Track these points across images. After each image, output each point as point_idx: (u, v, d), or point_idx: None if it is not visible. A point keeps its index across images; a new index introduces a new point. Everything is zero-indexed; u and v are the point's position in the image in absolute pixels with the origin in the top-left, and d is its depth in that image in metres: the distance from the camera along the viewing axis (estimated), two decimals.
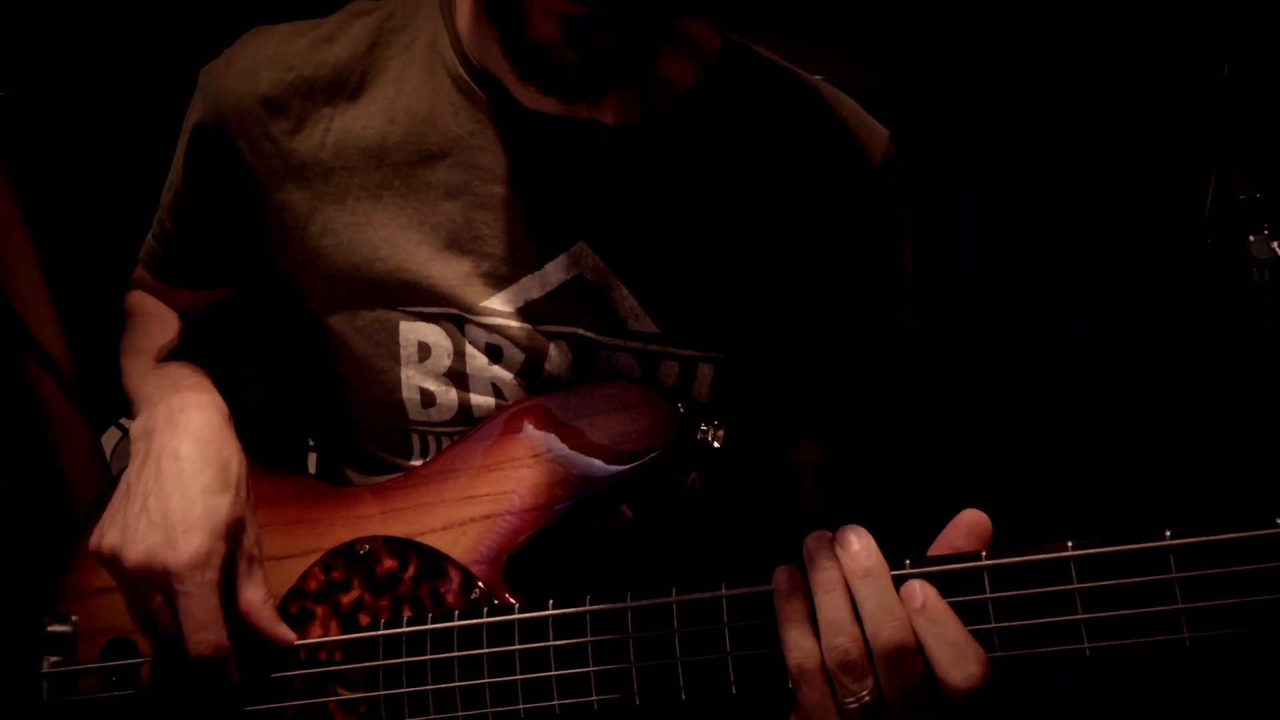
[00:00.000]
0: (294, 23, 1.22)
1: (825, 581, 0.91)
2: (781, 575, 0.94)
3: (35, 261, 1.73)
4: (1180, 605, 0.85)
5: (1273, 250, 2.44)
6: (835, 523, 0.94)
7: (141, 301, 1.38)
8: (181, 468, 1.10)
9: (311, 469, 1.54)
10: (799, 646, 0.91)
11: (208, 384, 1.23)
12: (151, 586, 1.08)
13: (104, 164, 1.72)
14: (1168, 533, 0.86)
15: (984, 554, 0.91)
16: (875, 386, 1.29)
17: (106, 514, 1.13)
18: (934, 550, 0.94)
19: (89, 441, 1.68)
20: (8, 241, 1.71)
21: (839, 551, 0.91)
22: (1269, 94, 2.48)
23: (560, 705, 1.01)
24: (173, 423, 1.14)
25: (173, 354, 1.31)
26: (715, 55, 1.21)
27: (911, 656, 0.88)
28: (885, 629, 0.88)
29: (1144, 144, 2.44)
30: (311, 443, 1.58)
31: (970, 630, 0.89)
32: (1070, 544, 0.89)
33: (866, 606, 0.89)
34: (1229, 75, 2.34)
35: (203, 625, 1.06)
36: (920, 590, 0.89)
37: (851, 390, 1.27)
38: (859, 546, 0.91)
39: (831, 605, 0.90)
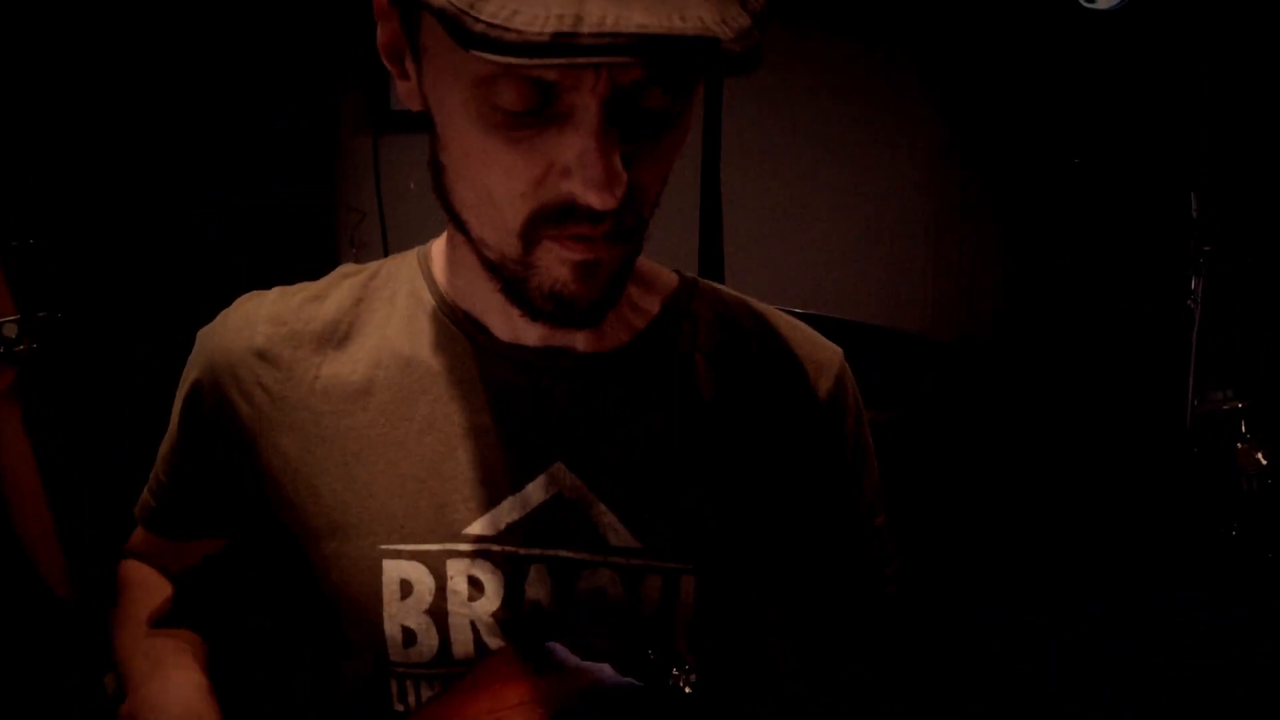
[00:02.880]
0: (285, 287, 1.29)
1: None
2: None
3: (43, 499, 1.77)
4: None
5: (1258, 460, 2.45)
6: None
7: (132, 572, 1.41)
8: None
9: None
10: None
11: (187, 656, 1.27)
12: None
13: (113, 421, 1.79)
14: None
15: None
16: (846, 592, 1.31)
17: None
18: None
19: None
20: (18, 482, 1.76)
21: None
22: (1243, 292, 2.54)
23: None
24: (152, 706, 1.18)
25: (162, 622, 1.33)
26: (675, 288, 1.29)
27: None
28: None
29: (1121, 353, 2.49)
30: None
31: None
32: None
33: None
34: (1196, 288, 2.40)
35: None
36: None
37: (822, 599, 1.30)
38: None
39: None
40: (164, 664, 1.24)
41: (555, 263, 1.05)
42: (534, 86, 0.96)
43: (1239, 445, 2.50)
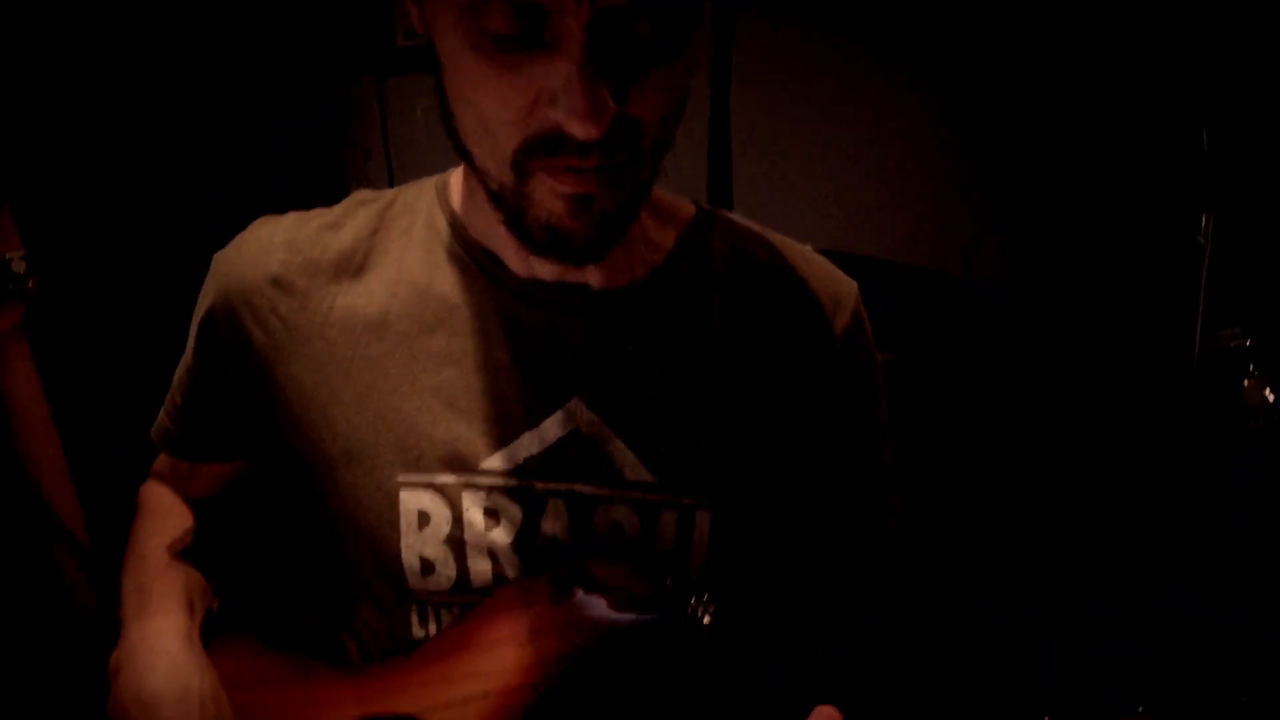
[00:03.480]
0: (300, 212, 1.28)
1: None
2: None
3: (55, 436, 1.77)
4: None
5: (1264, 397, 2.44)
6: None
7: (151, 497, 1.41)
8: (145, 711, 1.16)
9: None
10: None
11: (175, 601, 1.27)
12: None
13: (127, 344, 1.78)
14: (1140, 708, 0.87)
15: None
16: (857, 527, 1.31)
17: None
18: None
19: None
20: (28, 418, 1.75)
21: None
22: (1253, 228, 2.52)
23: None
24: (134, 665, 1.20)
25: (165, 555, 1.33)
26: (690, 220, 1.27)
27: None
28: None
29: (1128, 287, 2.47)
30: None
31: None
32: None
33: None
34: (1206, 225, 2.37)
35: None
36: None
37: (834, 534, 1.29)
38: None
39: None
40: (150, 608, 1.25)
41: (548, 195, 1.04)
42: (520, 10, 0.95)
43: (1246, 382, 2.48)
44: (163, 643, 1.20)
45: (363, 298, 1.22)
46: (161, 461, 1.41)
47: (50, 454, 1.77)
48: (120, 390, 1.58)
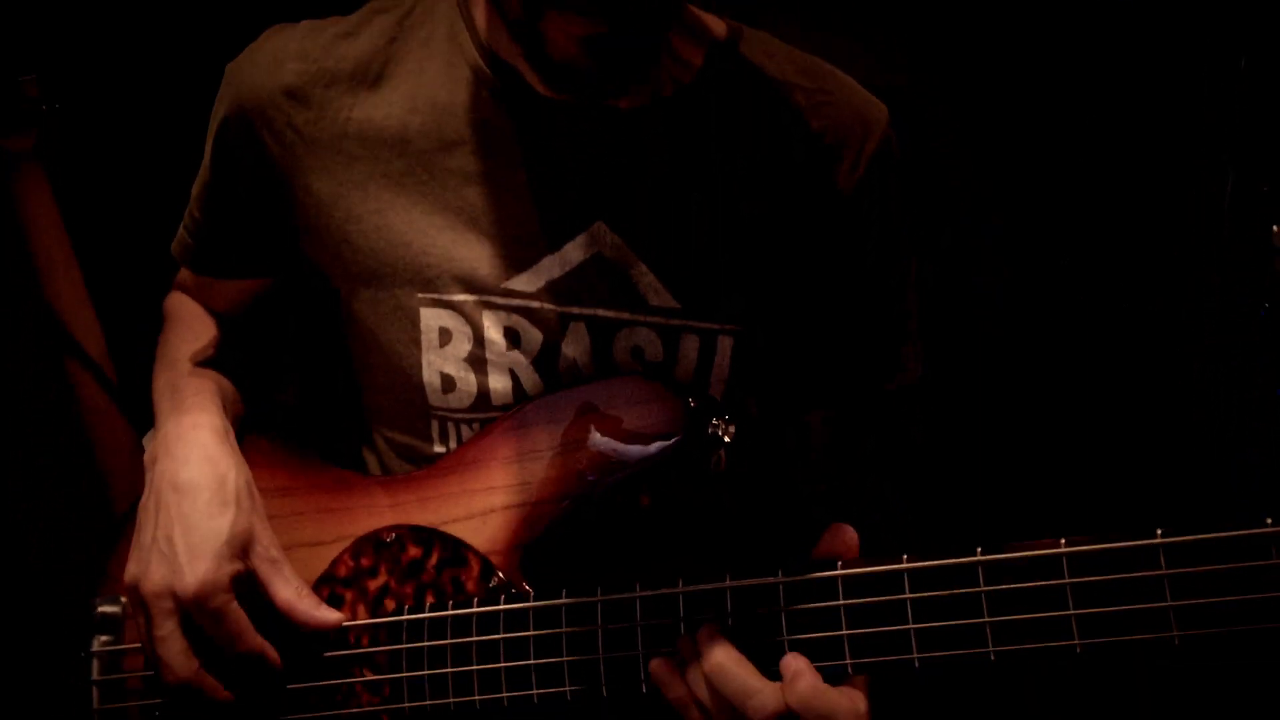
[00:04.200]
0: (313, 20, 1.23)
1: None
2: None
3: (75, 263, 1.75)
4: (1170, 603, 0.84)
5: None
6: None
7: (177, 306, 1.40)
8: (181, 497, 1.14)
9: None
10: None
11: (209, 399, 1.25)
12: (167, 614, 1.11)
13: (142, 165, 1.74)
14: (1159, 531, 0.86)
15: (979, 550, 0.91)
16: (882, 349, 1.31)
17: (131, 545, 1.17)
18: None
19: (130, 440, 1.70)
20: (47, 244, 1.73)
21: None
22: None
23: (571, 691, 1.03)
24: (170, 452, 1.18)
25: (194, 362, 1.32)
26: (721, 38, 1.22)
27: None
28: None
29: (1160, 136, 2.40)
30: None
31: (963, 624, 0.90)
32: (1063, 541, 0.89)
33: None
34: (1245, 66, 2.30)
35: (235, 638, 1.11)
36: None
37: (860, 357, 1.29)
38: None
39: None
40: (185, 405, 1.24)
41: (560, 35, 1.03)
42: None
43: (1275, 228, 2.44)
44: (199, 435, 1.20)
45: (381, 110, 1.18)
46: (184, 274, 1.40)
47: (70, 280, 1.75)
48: (138, 211, 1.55)
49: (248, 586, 1.13)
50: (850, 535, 1.00)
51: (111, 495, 1.69)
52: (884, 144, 1.24)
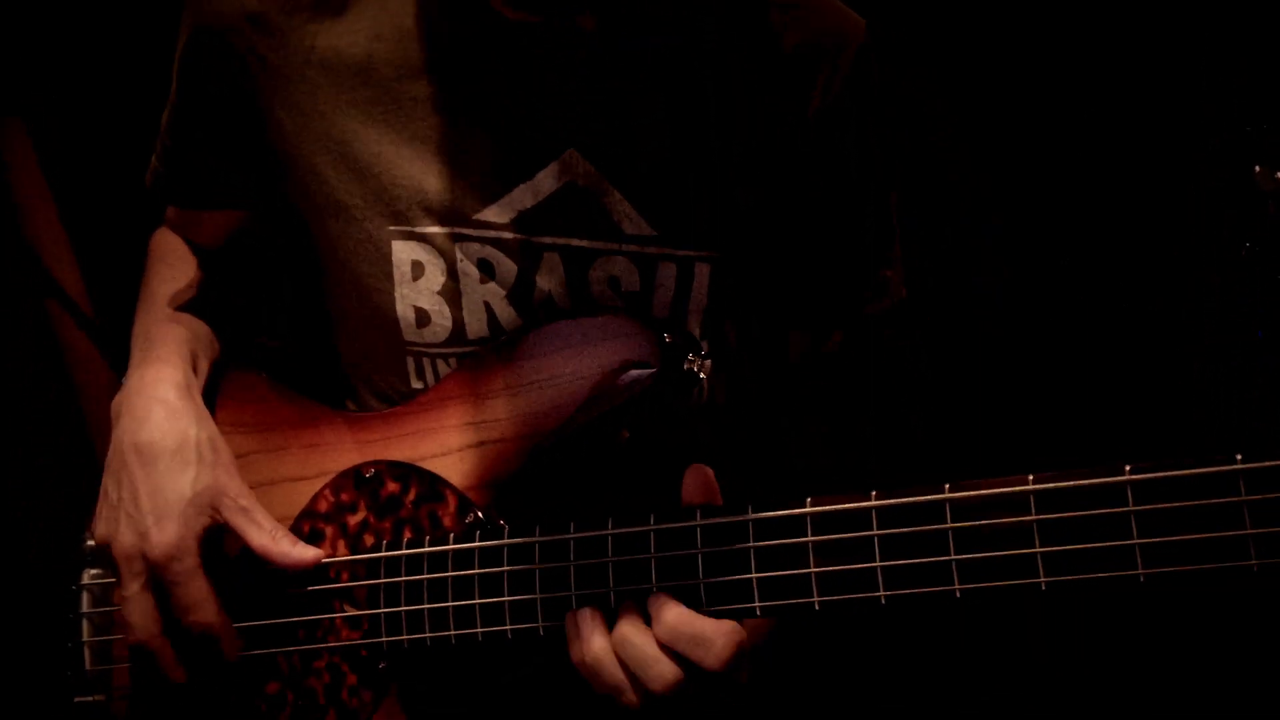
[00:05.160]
0: None
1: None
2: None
3: (52, 203, 1.72)
4: (1137, 540, 0.82)
5: (1276, 181, 2.38)
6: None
7: (160, 243, 1.38)
8: (142, 459, 1.13)
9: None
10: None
11: (175, 349, 1.23)
12: (135, 575, 1.11)
13: (116, 101, 1.71)
14: (1127, 467, 0.84)
15: (946, 487, 0.89)
16: (860, 273, 1.29)
17: (99, 498, 1.17)
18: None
19: (111, 381, 1.69)
20: (25, 185, 1.71)
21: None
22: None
23: (544, 627, 1.02)
24: (131, 409, 1.17)
25: (173, 305, 1.30)
26: None
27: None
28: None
29: (1139, 79, 2.36)
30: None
31: (929, 562, 0.89)
32: (1031, 477, 0.87)
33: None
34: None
35: (190, 608, 1.10)
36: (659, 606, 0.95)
37: (839, 277, 1.27)
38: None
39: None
40: (152, 356, 1.22)
41: None
42: None
43: (1257, 168, 2.41)
44: (160, 391, 1.18)
45: (345, 38, 1.15)
46: (170, 210, 1.37)
47: (48, 220, 1.73)
48: (112, 152, 1.52)
49: (221, 539, 1.12)
50: (707, 475, 0.99)
51: (94, 440, 1.67)
52: (861, 58, 1.21)
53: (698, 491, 0.99)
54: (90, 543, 1.22)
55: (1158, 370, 2.28)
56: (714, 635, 0.93)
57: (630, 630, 0.96)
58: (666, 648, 0.94)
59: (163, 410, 1.16)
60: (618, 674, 0.96)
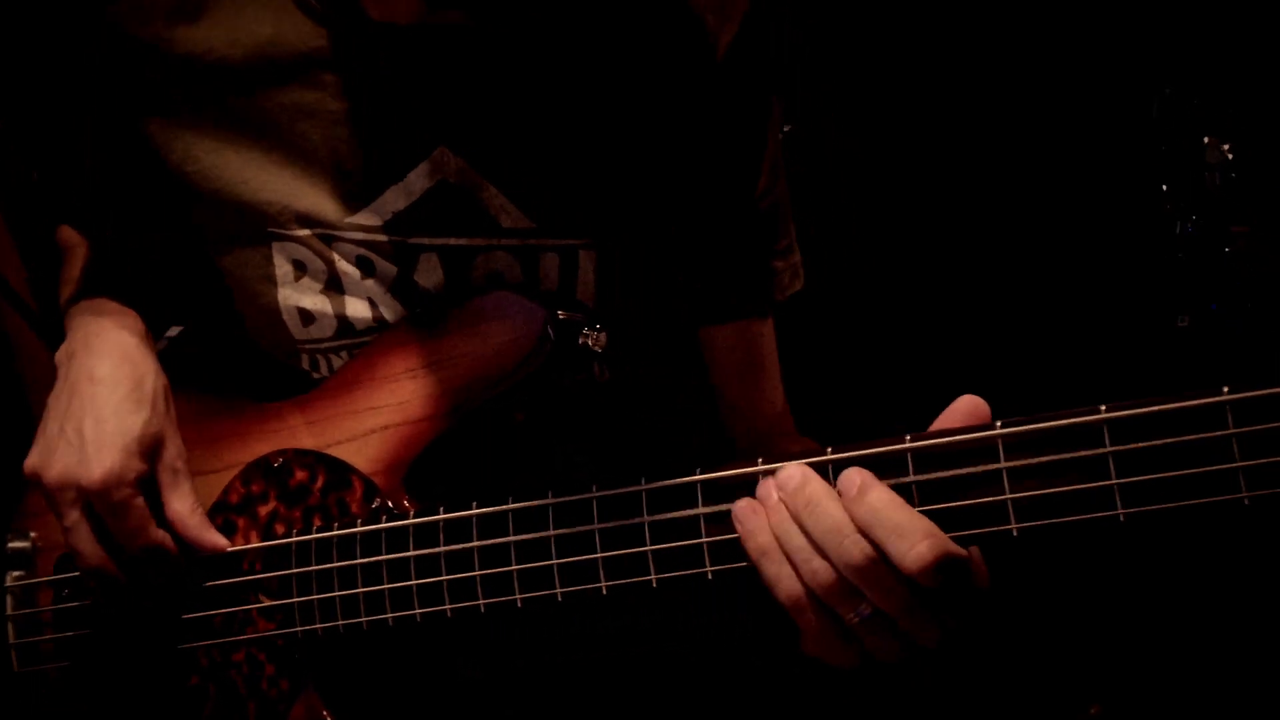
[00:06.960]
0: None
1: (778, 520, 0.83)
2: (743, 510, 0.86)
3: None
4: (1115, 481, 0.73)
5: (1224, 153, 2.34)
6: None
7: (71, 235, 1.31)
8: (96, 389, 1.08)
9: None
10: (780, 578, 0.83)
11: (124, 311, 1.18)
12: (71, 504, 1.06)
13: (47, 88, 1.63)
14: (1103, 407, 0.74)
15: (909, 436, 0.81)
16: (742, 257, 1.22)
17: (36, 436, 1.11)
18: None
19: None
20: None
21: (778, 487, 0.84)
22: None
23: (452, 609, 0.97)
24: (89, 346, 1.12)
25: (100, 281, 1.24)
26: None
27: (875, 564, 0.78)
28: (840, 548, 0.79)
29: (1091, 53, 2.32)
30: None
31: None
32: (999, 423, 0.78)
33: (815, 534, 0.81)
34: None
35: (134, 533, 1.06)
36: (857, 477, 0.80)
37: (733, 269, 1.21)
38: (790, 479, 0.83)
39: (791, 536, 0.82)
40: (106, 309, 1.16)
41: None
42: None
43: (1206, 139, 2.37)
44: (121, 336, 1.13)
45: (200, 46, 1.08)
46: None
47: None
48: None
49: (147, 492, 1.06)
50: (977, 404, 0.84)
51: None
52: (744, 30, 1.13)
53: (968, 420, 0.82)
54: (13, 545, 1.18)
55: (1109, 348, 2.23)
56: (917, 530, 0.77)
57: (823, 493, 0.82)
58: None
59: (122, 351, 1.11)
60: (800, 540, 0.82)
